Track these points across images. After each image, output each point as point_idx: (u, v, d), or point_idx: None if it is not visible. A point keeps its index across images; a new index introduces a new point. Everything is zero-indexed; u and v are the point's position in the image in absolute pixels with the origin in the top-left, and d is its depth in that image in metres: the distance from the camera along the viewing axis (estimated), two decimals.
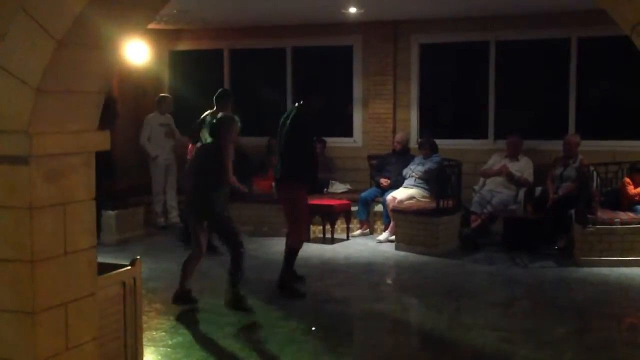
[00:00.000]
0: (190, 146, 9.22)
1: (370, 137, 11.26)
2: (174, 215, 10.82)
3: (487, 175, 9.90)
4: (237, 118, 6.95)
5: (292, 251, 7.20)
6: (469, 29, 10.72)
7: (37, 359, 3.05)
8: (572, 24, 10.15)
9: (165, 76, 12.25)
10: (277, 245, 9.44)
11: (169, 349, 5.58)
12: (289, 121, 7.18)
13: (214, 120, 7.04)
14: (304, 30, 11.35)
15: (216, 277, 7.35)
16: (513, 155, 9.85)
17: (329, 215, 9.86)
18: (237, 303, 6.52)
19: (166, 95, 11.19)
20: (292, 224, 7.23)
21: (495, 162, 9.92)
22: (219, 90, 9.27)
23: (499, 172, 9.73)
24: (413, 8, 10.06)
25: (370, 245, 9.63)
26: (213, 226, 6.65)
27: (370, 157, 10.86)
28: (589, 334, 5.97)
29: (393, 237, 9.57)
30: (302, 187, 7.21)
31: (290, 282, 7.18)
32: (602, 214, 8.47)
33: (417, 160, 10.14)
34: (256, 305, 6.75)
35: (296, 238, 7.22)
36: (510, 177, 9.64)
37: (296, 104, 7.38)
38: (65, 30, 2.93)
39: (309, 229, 9.19)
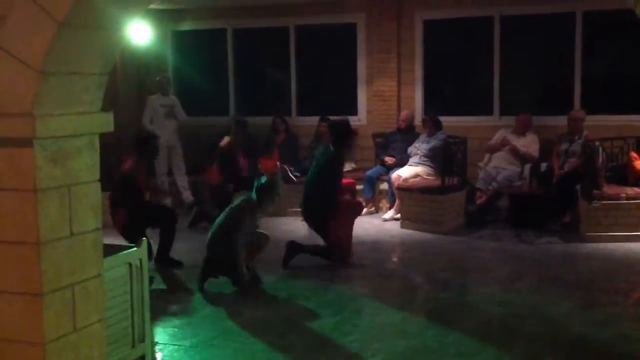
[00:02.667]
0: None
1: (374, 115, 11.23)
2: (187, 196, 10.81)
3: (492, 150, 9.88)
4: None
5: (325, 248, 7.53)
6: (473, 5, 10.64)
7: (44, 341, 3.07)
8: None
9: (168, 56, 12.21)
10: (284, 225, 9.48)
11: (176, 329, 5.61)
12: (319, 162, 7.65)
13: None
14: (307, 8, 11.29)
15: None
16: (520, 132, 9.82)
17: None
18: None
19: (164, 75, 11.17)
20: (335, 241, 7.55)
21: (500, 137, 9.91)
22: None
23: (503, 145, 9.72)
24: None
25: (375, 224, 9.64)
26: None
27: (375, 136, 10.84)
28: (595, 309, 5.97)
29: (398, 215, 9.58)
30: (329, 217, 7.47)
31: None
32: (608, 189, 8.45)
33: (422, 138, 10.11)
34: (264, 284, 6.78)
35: (335, 250, 7.52)
36: (516, 153, 9.63)
37: (329, 146, 7.71)
38: (67, 12, 2.92)
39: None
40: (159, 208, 8.15)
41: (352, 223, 7.79)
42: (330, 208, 7.47)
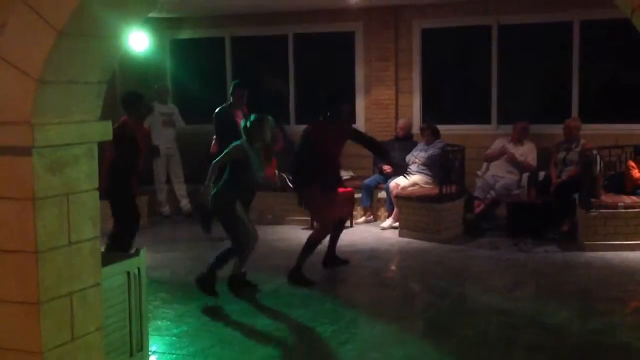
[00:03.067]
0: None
1: (372, 123, 11.24)
2: (185, 204, 10.81)
3: (490, 158, 9.89)
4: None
5: (309, 242, 7.28)
6: (471, 13, 10.67)
7: (42, 350, 3.06)
8: (574, 7, 10.10)
9: (167, 65, 12.23)
10: (281, 233, 9.48)
11: (174, 338, 5.60)
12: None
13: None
14: (306, 16, 11.32)
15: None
16: (518, 140, 9.84)
17: None
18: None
19: (163, 83, 11.21)
20: (318, 222, 7.43)
21: (499, 146, 9.92)
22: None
23: (501, 154, 9.74)
24: None
25: (373, 232, 9.64)
26: None
27: None
28: (594, 318, 5.97)
29: (397, 224, 9.57)
30: (313, 189, 7.26)
31: (301, 270, 7.22)
32: (606, 198, 8.46)
33: (420, 146, 10.12)
34: (261, 293, 6.78)
35: (318, 234, 7.36)
36: (514, 161, 9.64)
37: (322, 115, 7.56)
38: (66, 21, 2.93)
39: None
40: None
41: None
42: (321, 175, 7.28)
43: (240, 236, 6.58)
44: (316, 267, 7.63)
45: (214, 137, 9.47)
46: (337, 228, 7.68)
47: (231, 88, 9.56)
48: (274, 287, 6.98)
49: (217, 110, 9.40)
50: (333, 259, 7.70)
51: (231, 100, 9.39)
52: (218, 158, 6.69)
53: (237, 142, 6.69)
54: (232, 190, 6.60)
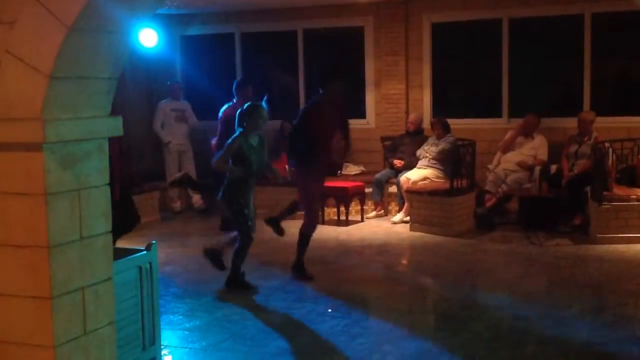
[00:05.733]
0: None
1: (383, 118, 11.23)
2: (196, 201, 10.84)
3: (506, 148, 9.82)
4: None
5: (302, 236, 7.22)
6: (481, 7, 10.63)
7: (55, 344, 3.08)
8: (585, 0, 10.05)
9: (177, 61, 12.25)
10: (291, 228, 9.46)
11: (186, 332, 5.62)
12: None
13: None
14: (315, 12, 11.31)
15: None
16: (528, 134, 9.80)
17: (343, 198, 9.86)
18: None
19: (175, 81, 11.24)
20: (305, 210, 7.27)
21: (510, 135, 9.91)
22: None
23: (514, 136, 9.73)
24: None
25: (384, 227, 9.64)
26: None
27: (383, 139, 10.83)
28: (606, 311, 5.95)
29: (407, 218, 9.56)
30: (309, 172, 7.16)
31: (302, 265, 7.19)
32: (618, 191, 8.42)
33: (430, 140, 10.10)
34: (271, 288, 6.80)
35: (307, 223, 7.24)
36: (525, 164, 9.60)
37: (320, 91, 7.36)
38: (76, 16, 2.93)
39: (322, 213, 9.23)
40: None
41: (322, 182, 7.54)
42: (311, 153, 7.10)
43: (244, 230, 6.62)
44: (325, 260, 7.64)
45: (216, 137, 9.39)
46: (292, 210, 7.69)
47: (234, 86, 9.25)
48: (284, 282, 6.99)
49: (223, 109, 9.29)
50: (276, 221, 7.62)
51: (235, 99, 9.07)
52: (220, 155, 6.67)
53: (233, 136, 6.69)
54: (237, 182, 6.61)
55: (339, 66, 11.69)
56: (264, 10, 11.50)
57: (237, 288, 6.66)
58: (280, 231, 7.59)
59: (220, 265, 6.90)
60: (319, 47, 11.79)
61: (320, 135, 7.09)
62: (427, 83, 11.06)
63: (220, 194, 6.69)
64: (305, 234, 7.19)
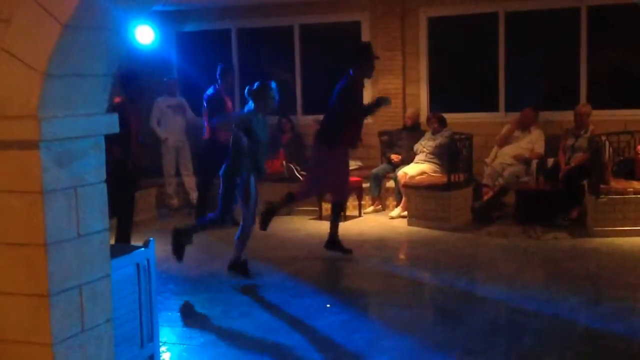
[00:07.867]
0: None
1: (380, 113, 11.12)
2: (194, 197, 10.82)
3: (502, 143, 9.83)
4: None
5: (335, 205, 7.64)
6: (477, 1, 10.63)
7: (52, 342, 3.08)
8: None
9: (173, 58, 12.23)
10: (290, 224, 9.49)
11: (183, 329, 5.63)
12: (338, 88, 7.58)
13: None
14: (312, 7, 11.29)
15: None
16: (525, 127, 9.80)
17: None
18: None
19: (171, 77, 11.24)
20: (332, 189, 7.66)
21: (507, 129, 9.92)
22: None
23: (511, 130, 9.73)
24: None
25: (382, 222, 9.65)
26: None
27: (380, 133, 10.83)
28: (603, 304, 5.96)
29: (405, 213, 9.58)
30: (329, 150, 7.44)
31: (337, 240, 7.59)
32: (615, 184, 8.43)
33: (427, 135, 10.11)
34: (270, 283, 6.80)
35: (337, 193, 7.66)
36: (522, 158, 9.61)
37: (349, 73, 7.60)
38: (71, 13, 2.92)
39: (319, 208, 9.35)
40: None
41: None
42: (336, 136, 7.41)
43: (225, 209, 6.69)
44: (323, 255, 7.65)
45: (205, 123, 9.59)
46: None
47: (219, 70, 9.61)
48: (282, 278, 6.99)
49: (208, 93, 9.48)
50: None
51: (219, 83, 9.42)
52: (226, 119, 6.80)
53: (243, 110, 6.79)
54: (240, 159, 6.65)
55: (334, 61, 11.70)
56: (259, 6, 11.48)
57: (240, 271, 6.81)
58: (269, 213, 7.65)
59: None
60: (315, 43, 11.77)
61: (354, 115, 7.49)
62: (424, 78, 11.06)
63: (223, 167, 6.72)
64: (339, 202, 7.58)
